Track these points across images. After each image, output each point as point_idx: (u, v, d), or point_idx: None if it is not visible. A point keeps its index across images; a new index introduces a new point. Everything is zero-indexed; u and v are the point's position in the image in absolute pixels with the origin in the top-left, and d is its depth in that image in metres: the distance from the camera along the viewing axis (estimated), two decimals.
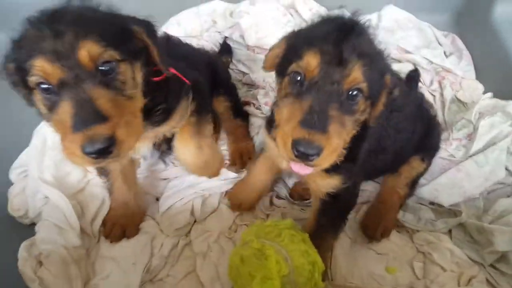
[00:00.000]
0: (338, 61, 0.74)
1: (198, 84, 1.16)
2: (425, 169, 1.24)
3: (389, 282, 1.14)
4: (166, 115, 1.02)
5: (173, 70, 0.98)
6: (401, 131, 1.06)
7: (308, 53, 0.76)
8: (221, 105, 1.44)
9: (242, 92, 1.64)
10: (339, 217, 1.10)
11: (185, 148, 1.21)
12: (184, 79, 1.06)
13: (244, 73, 1.68)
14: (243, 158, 1.46)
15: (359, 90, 0.77)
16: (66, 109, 0.75)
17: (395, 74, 0.92)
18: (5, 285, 1.17)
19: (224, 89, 1.43)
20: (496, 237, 1.11)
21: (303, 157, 0.73)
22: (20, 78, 0.80)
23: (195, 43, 1.63)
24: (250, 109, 1.57)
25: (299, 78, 0.78)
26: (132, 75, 0.84)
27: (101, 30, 0.77)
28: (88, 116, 0.75)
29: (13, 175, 1.41)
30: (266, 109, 1.54)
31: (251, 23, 1.67)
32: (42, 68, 0.74)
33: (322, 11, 1.80)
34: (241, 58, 1.70)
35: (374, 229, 1.21)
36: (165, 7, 1.76)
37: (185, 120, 1.11)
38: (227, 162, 1.48)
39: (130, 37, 0.85)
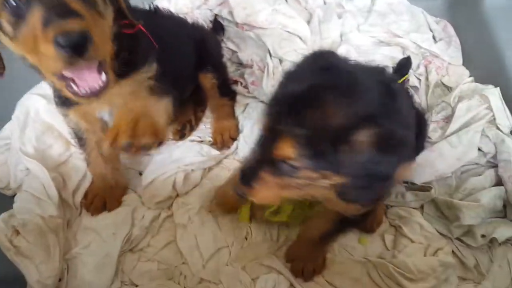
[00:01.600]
0: (271, 132, 0.82)
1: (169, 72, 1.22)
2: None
3: (359, 253, 1.35)
4: (130, 68, 1.09)
5: (140, 27, 1.08)
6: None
7: (263, 114, 0.85)
8: (208, 82, 1.59)
9: (230, 71, 1.83)
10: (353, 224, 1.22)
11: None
12: (152, 40, 1.14)
13: (233, 51, 1.88)
14: (224, 136, 1.65)
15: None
16: (36, 14, 0.80)
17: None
18: None
19: (213, 66, 1.58)
20: (463, 212, 1.32)
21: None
22: None
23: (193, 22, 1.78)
24: (238, 88, 1.78)
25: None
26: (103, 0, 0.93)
27: None
28: (60, 12, 0.79)
29: None
30: (253, 88, 1.75)
31: (240, 0, 1.87)
32: None
33: None
34: (230, 35, 1.89)
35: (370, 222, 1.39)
36: None
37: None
38: (210, 140, 1.70)
39: None
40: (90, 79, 0.93)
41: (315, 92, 0.76)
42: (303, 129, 0.74)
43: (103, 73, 0.95)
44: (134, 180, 1.57)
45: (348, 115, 0.73)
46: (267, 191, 0.88)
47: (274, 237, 1.42)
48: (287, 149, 0.76)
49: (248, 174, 0.89)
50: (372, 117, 0.73)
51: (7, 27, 0.88)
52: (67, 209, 1.47)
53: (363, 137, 0.72)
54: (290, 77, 0.88)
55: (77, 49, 0.80)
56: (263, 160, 0.85)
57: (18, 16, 0.85)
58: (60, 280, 1.33)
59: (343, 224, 1.16)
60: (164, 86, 1.18)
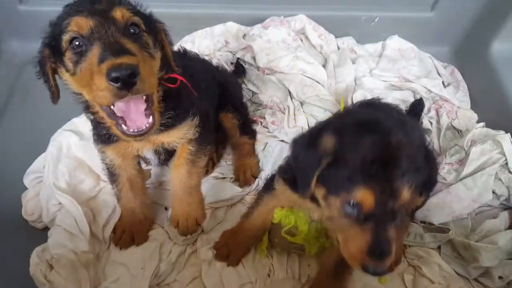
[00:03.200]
0: (391, 194, 0.84)
1: (206, 113, 1.35)
2: (423, 203, 1.28)
3: None
4: (173, 122, 1.20)
5: (182, 79, 1.19)
6: None
7: (360, 189, 0.84)
8: (229, 121, 1.64)
9: (250, 111, 1.88)
10: None
11: (177, 170, 1.38)
12: (191, 89, 1.25)
13: (253, 92, 1.93)
14: (246, 174, 1.67)
15: (410, 205, 0.91)
16: (95, 51, 0.90)
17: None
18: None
19: (233, 107, 1.64)
20: (481, 254, 1.32)
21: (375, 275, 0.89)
22: (53, 52, 1.00)
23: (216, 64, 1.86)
24: (257, 127, 1.81)
25: (352, 203, 0.87)
26: (154, 45, 1.04)
27: (132, 7, 1.00)
28: (115, 49, 0.88)
29: (27, 180, 1.61)
30: (273, 128, 1.78)
31: (263, 46, 1.93)
32: (76, 23, 0.92)
33: (331, 38, 2.07)
34: (251, 78, 1.95)
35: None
36: (180, 26, 2.03)
37: (187, 140, 1.28)
38: (232, 177, 1.70)
39: (153, 27, 1.07)
40: (138, 120, 1.01)
41: (398, 143, 0.87)
42: (413, 173, 0.84)
43: (150, 116, 1.02)
44: (161, 215, 1.58)
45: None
46: (396, 248, 0.89)
47: (296, 275, 1.41)
48: (409, 195, 0.84)
49: (383, 245, 0.86)
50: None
51: (69, 65, 0.98)
52: (96, 243, 1.46)
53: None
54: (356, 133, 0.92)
55: (126, 82, 0.87)
56: (386, 227, 0.86)
57: (80, 55, 0.95)
58: None
59: None
60: (203, 143, 1.32)
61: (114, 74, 0.85)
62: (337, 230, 0.94)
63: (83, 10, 0.95)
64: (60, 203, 1.50)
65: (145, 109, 1.02)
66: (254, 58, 1.92)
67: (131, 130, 1.01)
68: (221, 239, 1.45)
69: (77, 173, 1.60)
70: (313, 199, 1.01)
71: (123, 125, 1.02)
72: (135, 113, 1.01)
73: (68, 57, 0.98)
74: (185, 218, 1.44)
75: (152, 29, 1.07)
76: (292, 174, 1.10)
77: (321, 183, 0.93)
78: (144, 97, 1.02)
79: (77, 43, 0.95)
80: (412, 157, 0.86)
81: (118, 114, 1.01)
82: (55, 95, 1.11)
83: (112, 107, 1.01)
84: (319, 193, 0.95)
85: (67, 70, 1.01)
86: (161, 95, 1.12)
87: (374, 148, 0.85)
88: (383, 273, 0.87)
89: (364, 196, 0.84)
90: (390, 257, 0.86)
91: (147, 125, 1.02)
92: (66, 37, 0.95)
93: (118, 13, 0.96)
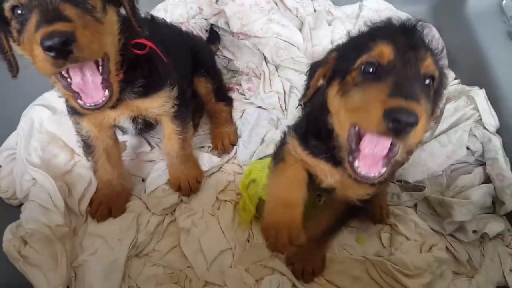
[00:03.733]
0: (411, 47, 0.78)
1: (181, 84, 1.31)
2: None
3: (358, 251, 1.34)
4: (146, 90, 1.17)
5: (150, 44, 1.14)
6: None
7: (379, 44, 0.78)
8: (203, 87, 1.60)
9: (226, 78, 1.82)
10: (356, 214, 1.17)
11: (170, 144, 1.40)
12: (161, 55, 1.20)
13: (229, 59, 1.86)
14: (224, 142, 1.63)
15: (432, 79, 0.81)
16: (33, 19, 0.87)
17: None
18: None
19: (206, 71, 1.59)
20: (454, 209, 1.32)
21: (399, 128, 0.69)
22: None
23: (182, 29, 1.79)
24: (234, 94, 1.76)
25: (371, 69, 0.79)
26: (102, 7, 0.97)
27: None
28: (50, 17, 0.84)
29: (1, 158, 1.56)
30: (249, 95, 1.73)
31: (236, 10, 1.85)
32: None
33: (306, 1, 1.99)
34: (226, 44, 1.88)
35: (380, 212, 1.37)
36: None
37: (165, 110, 1.26)
38: (210, 146, 1.67)
39: None
40: (95, 95, 0.98)
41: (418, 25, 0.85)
42: (432, 49, 0.82)
43: (106, 90, 0.99)
44: (137, 186, 1.55)
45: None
46: (426, 116, 0.75)
47: None
48: (431, 61, 0.79)
49: (409, 89, 0.73)
50: None
51: (14, 34, 0.94)
52: (72, 217, 1.43)
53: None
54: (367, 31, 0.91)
55: (61, 51, 0.83)
56: (411, 79, 0.77)
57: (21, 23, 0.90)
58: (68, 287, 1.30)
59: (346, 215, 1.14)
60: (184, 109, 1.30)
61: (46, 43, 0.82)
62: (354, 108, 0.80)
63: None
64: (33, 179, 1.46)
65: (101, 82, 0.98)
66: (227, 24, 1.84)
67: (87, 104, 0.98)
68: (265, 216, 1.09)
69: (50, 148, 1.55)
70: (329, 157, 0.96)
71: (78, 100, 0.98)
72: (92, 87, 0.98)
73: (13, 26, 0.93)
74: (186, 180, 1.47)
75: None
76: (304, 130, 1.04)
77: (335, 78, 0.88)
78: (100, 67, 0.98)
79: (19, 11, 0.90)
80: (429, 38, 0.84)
81: (75, 89, 0.97)
82: (13, 67, 1.05)
83: (69, 80, 0.97)
84: (333, 91, 0.88)
85: (14, 40, 0.96)
86: (119, 62, 1.06)
87: (390, 28, 0.84)
88: (411, 123, 0.69)
89: (381, 47, 0.77)
90: (419, 107, 0.70)
91: (103, 98, 0.98)
92: (6, 6, 0.91)
93: None
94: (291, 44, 1.80)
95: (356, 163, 0.82)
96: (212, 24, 1.92)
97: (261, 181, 1.36)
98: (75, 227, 1.43)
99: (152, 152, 1.63)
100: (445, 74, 0.89)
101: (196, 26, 1.93)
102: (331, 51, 0.94)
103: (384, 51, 0.78)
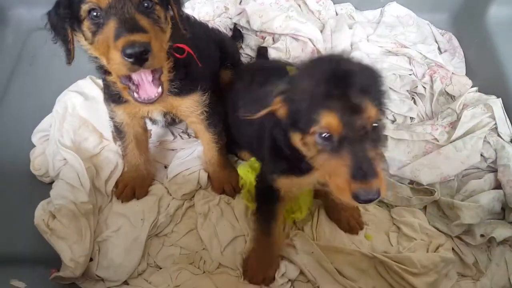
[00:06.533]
0: (353, 111, 0.79)
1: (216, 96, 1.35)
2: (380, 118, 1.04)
3: (366, 246, 1.33)
4: (180, 90, 1.21)
5: (189, 50, 1.18)
6: None
7: (324, 115, 0.80)
8: (227, 76, 1.62)
9: None
10: None
11: (210, 154, 1.44)
12: (197, 61, 1.25)
13: (251, 57, 1.86)
14: None
15: (379, 119, 0.84)
16: (111, 25, 0.94)
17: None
18: (25, 238, 1.38)
19: (231, 63, 1.62)
20: (463, 212, 1.30)
21: (368, 199, 0.78)
22: (70, 15, 1.01)
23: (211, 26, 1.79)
24: None
25: (325, 135, 0.82)
26: (165, 17, 1.05)
27: None
28: (130, 27, 0.93)
29: (35, 138, 1.62)
30: None
31: (256, 9, 1.85)
32: None
33: (329, 4, 1.97)
34: (249, 43, 1.89)
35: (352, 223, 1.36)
36: None
37: (196, 115, 1.30)
38: None
39: None
40: (149, 90, 1.05)
41: (347, 64, 0.87)
42: (370, 91, 0.82)
43: (160, 86, 1.06)
44: (160, 172, 1.58)
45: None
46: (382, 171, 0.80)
47: (286, 229, 1.40)
48: (374, 111, 0.80)
49: (363, 165, 0.78)
50: None
51: (88, 34, 1.01)
52: (99, 196, 1.48)
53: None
54: (305, 72, 0.90)
55: (139, 59, 0.92)
56: (363, 146, 0.80)
57: (97, 26, 0.98)
58: (92, 260, 1.34)
59: None
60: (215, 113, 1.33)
61: (128, 51, 0.90)
62: (323, 172, 0.87)
63: None
64: (64, 159, 1.50)
65: (153, 80, 1.06)
66: (248, 22, 1.84)
67: (142, 98, 1.05)
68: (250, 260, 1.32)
69: (81, 131, 1.59)
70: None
71: (134, 93, 1.06)
72: (147, 83, 1.05)
73: (87, 26, 1.00)
74: (229, 183, 1.50)
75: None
76: (284, 159, 1.03)
77: (294, 128, 0.89)
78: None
79: (95, 13, 0.97)
80: (365, 76, 0.85)
81: (135, 82, 1.05)
82: (71, 56, 1.11)
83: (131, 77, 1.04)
84: (296, 138, 0.91)
85: (86, 38, 1.03)
86: (171, 65, 1.12)
87: (326, 73, 0.83)
88: (374, 199, 0.78)
89: (327, 119, 0.79)
90: (377, 179, 0.77)
91: (156, 94, 1.05)
92: (85, 7, 0.97)
93: None
94: (310, 39, 1.78)
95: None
96: (235, 23, 1.93)
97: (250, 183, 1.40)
98: (101, 205, 1.47)
99: (174, 141, 1.65)
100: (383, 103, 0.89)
101: (221, 25, 1.95)
102: (277, 94, 0.90)
103: (332, 124, 0.80)
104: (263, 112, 0.91)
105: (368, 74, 0.88)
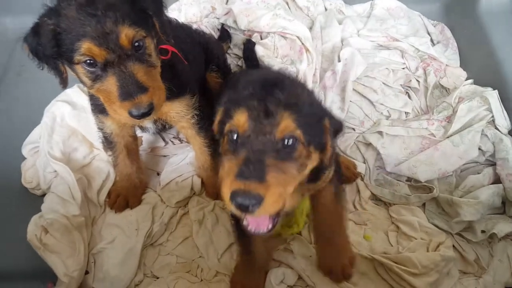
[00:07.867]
0: (265, 114, 0.77)
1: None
2: (322, 160, 0.98)
3: (365, 248, 1.29)
4: (170, 94, 1.15)
5: (173, 49, 1.13)
6: None
7: (237, 112, 0.79)
8: (213, 81, 1.57)
9: None
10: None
11: (202, 156, 1.38)
12: (183, 59, 1.20)
13: (239, 57, 1.81)
14: None
15: (294, 137, 0.79)
16: (112, 82, 0.95)
17: (334, 118, 0.93)
18: (19, 252, 1.32)
19: (217, 65, 1.57)
20: (462, 209, 1.25)
21: (243, 208, 0.72)
22: (58, 52, 0.96)
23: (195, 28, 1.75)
24: None
25: (235, 136, 0.80)
26: (154, 47, 1.03)
27: (130, 14, 0.94)
28: (132, 88, 0.95)
29: (25, 150, 1.56)
30: None
31: (243, 8, 1.80)
32: (89, 50, 0.92)
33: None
34: (237, 42, 1.83)
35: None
36: None
37: (187, 120, 1.25)
38: None
39: (147, 16, 1.01)
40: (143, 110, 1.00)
41: (281, 79, 0.86)
42: (293, 107, 0.78)
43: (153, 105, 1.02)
44: (153, 179, 1.53)
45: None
46: (280, 186, 0.74)
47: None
48: (289, 123, 0.77)
49: (252, 170, 0.73)
50: None
51: (84, 78, 1.00)
52: (92, 207, 1.43)
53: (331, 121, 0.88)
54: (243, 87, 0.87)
55: (144, 115, 0.97)
56: (262, 151, 0.76)
57: (95, 76, 0.97)
58: (88, 273, 1.30)
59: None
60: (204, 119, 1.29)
61: (135, 113, 0.96)
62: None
63: (93, 36, 0.91)
64: (55, 171, 1.45)
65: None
66: (235, 22, 1.78)
67: (134, 114, 1.00)
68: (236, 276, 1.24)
69: (70, 142, 1.54)
70: None
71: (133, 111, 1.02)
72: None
73: (81, 71, 0.98)
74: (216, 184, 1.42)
75: (146, 20, 1.02)
76: None
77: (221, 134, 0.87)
78: None
79: (90, 62, 0.95)
80: (292, 93, 0.82)
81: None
82: (64, 82, 1.07)
83: None
84: (224, 147, 0.87)
85: (81, 80, 1.01)
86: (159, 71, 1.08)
87: (253, 81, 0.83)
88: (253, 205, 0.71)
89: (238, 116, 0.77)
90: (263, 186, 0.71)
91: (150, 111, 1.01)
92: (79, 57, 0.95)
93: (124, 38, 0.94)
94: (298, 37, 1.72)
95: (245, 222, 0.85)
96: (222, 24, 1.87)
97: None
98: (94, 216, 1.42)
99: (166, 147, 1.60)
100: (326, 119, 0.86)
101: (208, 25, 1.89)
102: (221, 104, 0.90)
103: (240, 120, 0.78)
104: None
105: (303, 98, 0.84)
